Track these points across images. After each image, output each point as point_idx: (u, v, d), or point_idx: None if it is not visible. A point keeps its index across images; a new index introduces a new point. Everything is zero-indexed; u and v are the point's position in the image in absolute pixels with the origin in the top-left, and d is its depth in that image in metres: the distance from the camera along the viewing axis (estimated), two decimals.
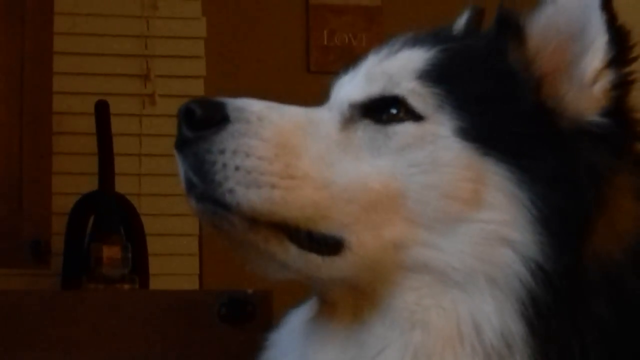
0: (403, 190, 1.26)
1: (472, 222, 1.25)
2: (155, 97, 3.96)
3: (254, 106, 1.28)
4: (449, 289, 1.24)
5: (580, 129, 1.28)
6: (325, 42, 4.19)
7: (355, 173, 1.27)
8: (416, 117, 1.29)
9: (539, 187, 1.24)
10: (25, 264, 2.95)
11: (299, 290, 1.40)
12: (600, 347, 1.20)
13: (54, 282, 3.48)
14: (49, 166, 3.05)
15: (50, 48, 3.10)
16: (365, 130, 1.30)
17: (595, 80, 1.28)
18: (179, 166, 1.27)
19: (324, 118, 1.32)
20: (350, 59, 1.42)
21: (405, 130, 1.28)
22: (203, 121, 1.25)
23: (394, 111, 1.30)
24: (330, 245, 1.25)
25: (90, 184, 3.56)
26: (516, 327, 1.20)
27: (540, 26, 1.32)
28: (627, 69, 1.29)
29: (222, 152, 1.24)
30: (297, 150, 1.26)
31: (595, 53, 1.28)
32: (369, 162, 1.28)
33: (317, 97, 1.41)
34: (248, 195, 1.23)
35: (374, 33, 4.13)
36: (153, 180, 3.89)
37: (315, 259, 1.25)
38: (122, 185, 3.62)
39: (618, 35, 1.28)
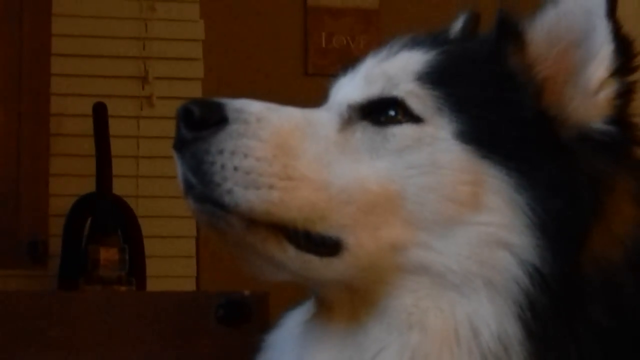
0: (401, 192, 1.26)
1: (470, 224, 1.25)
2: (153, 99, 3.97)
3: (253, 107, 1.28)
4: (446, 291, 1.24)
5: (581, 135, 1.28)
6: (323, 45, 4.19)
7: (354, 174, 1.27)
8: (415, 119, 1.29)
9: (537, 191, 1.24)
10: (23, 265, 2.95)
11: (295, 292, 1.40)
12: (597, 352, 1.20)
13: (50, 283, 3.48)
14: (47, 167, 3.06)
15: (48, 50, 3.11)
16: (363, 132, 1.30)
17: (600, 88, 1.28)
18: (177, 167, 1.27)
19: (323, 119, 1.32)
20: (348, 61, 1.42)
21: (404, 132, 1.28)
22: (202, 122, 1.25)
23: (392, 113, 1.30)
24: (329, 246, 1.25)
25: (87, 186, 3.57)
26: (513, 330, 1.20)
27: (541, 31, 1.32)
28: (631, 78, 1.29)
29: (221, 152, 1.24)
30: (296, 151, 1.26)
31: (601, 62, 1.28)
32: (367, 163, 1.28)
33: (314, 99, 1.41)
34: (246, 196, 1.23)
35: (372, 36, 4.14)
36: (150, 182, 3.89)
37: (313, 260, 1.25)
38: (119, 187, 3.62)
39: (623, 44, 1.28)
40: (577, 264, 1.22)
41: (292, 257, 1.25)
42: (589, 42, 1.29)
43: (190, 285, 3.87)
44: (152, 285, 3.50)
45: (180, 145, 1.26)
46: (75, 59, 3.90)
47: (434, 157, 1.27)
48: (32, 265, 2.95)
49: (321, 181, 1.25)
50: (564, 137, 1.28)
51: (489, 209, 1.25)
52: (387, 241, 1.25)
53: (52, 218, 3.21)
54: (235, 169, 1.24)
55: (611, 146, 1.28)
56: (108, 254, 3.33)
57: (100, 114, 3.60)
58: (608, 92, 1.28)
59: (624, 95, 1.29)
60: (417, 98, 1.29)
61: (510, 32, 1.32)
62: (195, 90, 3.94)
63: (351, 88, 1.36)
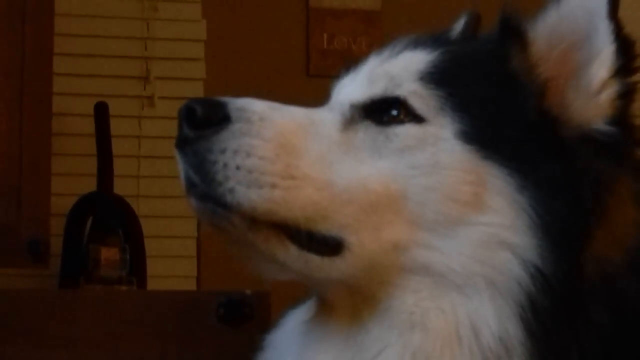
0: (403, 191, 1.26)
1: (472, 224, 1.25)
2: (154, 99, 3.96)
3: (256, 106, 1.28)
4: (448, 292, 1.24)
5: (583, 136, 1.28)
6: (325, 46, 4.19)
7: (356, 174, 1.27)
8: (417, 119, 1.29)
9: (539, 192, 1.24)
10: (24, 264, 2.94)
11: (297, 291, 1.40)
12: (598, 352, 1.20)
13: (52, 282, 3.48)
14: (48, 167, 3.05)
15: (50, 49, 3.10)
16: (366, 132, 1.30)
17: (602, 89, 1.29)
18: (179, 165, 1.27)
19: (325, 119, 1.32)
20: (350, 61, 1.42)
21: (406, 132, 1.29)
22: (204, 120, 1.25)
23: (394, 112, 1.30)
24: (331, 246, 1.25)
25: (89, 185, 3.57)
26: (514, 331, 1.20)
27: (543, 31, 1.32)
28: (632, 79, 1.29)
29: (223, 151, 1.24)
30: (298, 150, 1.26)
31: (603, 63, 1.28)
32: (369, 163, 1.28)
33: (316, 100, 1.41)
34: (249, 195, 1.23)
35: (374, 37, 4.14)
36: (151, 182, 3.89)
37: (315, 259, 1.25)
38: (120, 187, 3.62)
39: (625, 45, 1.28)
40: (578, 264, 1.22)
41: (294, 256, 1.25)
42: (591, 43, 1.29)
43: (190, 285, 3.87)
44: (152, 285, 3.49)
45: (183, 143, 1.26)
46: (77, 59, 3.89)
47: (436, 157, 1.27)
48: (33, 264, 2.94)
49: (324, 180, 1.25)
50: (566, 138, 1.28)
51: (491, 210, 1.25)
52: (389, 241, 1.25)
53: (54, 217, 3.20)
54: (238, 167, 1.24)
55: (612, 147, 1.28)
56: (109, 254, 3.32)
57: (101, 113, 3.60)
58: (609, 93, 1.29)
59: (625, 96, 1.29)
60: (420, 98, 1.29)
61: (512, 33, 1.33)
62: (197, 91, 3.94)
63: (353, 88, 1.36)
